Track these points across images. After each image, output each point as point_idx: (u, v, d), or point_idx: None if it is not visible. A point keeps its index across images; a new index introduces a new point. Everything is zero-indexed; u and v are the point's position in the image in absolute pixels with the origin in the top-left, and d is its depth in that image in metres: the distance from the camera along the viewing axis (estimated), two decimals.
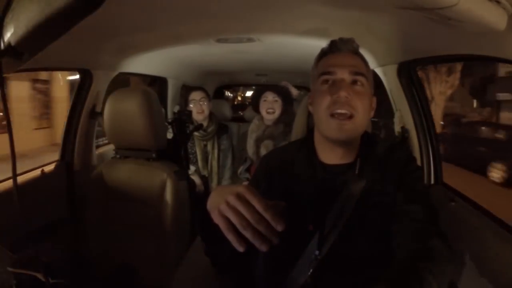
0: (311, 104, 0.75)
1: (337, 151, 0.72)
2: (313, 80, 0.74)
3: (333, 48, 0.72)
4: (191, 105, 1.92)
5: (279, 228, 0.46)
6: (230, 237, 0.47)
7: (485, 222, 0.89)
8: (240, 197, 0.48)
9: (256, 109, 1.90)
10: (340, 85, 0.66)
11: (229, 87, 3.86)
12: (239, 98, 14.41)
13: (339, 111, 0.65)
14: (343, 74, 0.68)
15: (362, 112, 0.67)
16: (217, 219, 0.48)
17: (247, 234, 0.46)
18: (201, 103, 1.90)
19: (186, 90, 2.17)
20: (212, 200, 0.53)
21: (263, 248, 0.45)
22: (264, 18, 1.10)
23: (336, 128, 0.66)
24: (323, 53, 0.74)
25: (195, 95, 1.92)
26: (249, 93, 10.90)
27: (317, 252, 0.69)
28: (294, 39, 1.34)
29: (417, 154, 1.30)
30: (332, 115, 0.66)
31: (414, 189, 0.69)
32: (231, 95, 11.86)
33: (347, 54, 0.71)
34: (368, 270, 0.66)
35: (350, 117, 0.66)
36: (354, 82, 0.68)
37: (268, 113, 1.77)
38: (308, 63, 0.77)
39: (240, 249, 0.46)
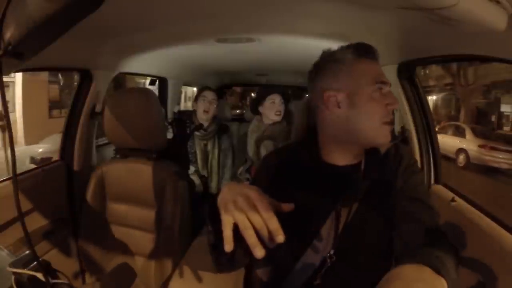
0: (341, 105, 0.68)
1: (351, 152, 0.73)
2: (352, 81, 0.68)
3: (370, 54, 0.70)
4: (200, 101, 1.90)
5: (279, 240, 0.46)
6: (224, 234, 0.48)
7: (485, 222, 0.89)
8: (248, 199, 0.49)
9: (256, 110, 1.90)
10: (393, 97, 0.70)
11: (229, 87, 3.85)
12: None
13: (389, 119, 0.70)
14: (389, 85, 0.71)
15: None
16: (223, 215, 0.50)
17: (246, 235, 0.47)
18: (211, 102, 1.90)
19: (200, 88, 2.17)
20: (223, 196, 0.54)
21: (257, 252, 0.46)
22: (264, 18, 1.10)
23: (387, 134, 0.70)
24: (358, 54, 0.69)
25: (208, 94, 1.91)
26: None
27: (320, 254, 0.70)
28: (294, 39, 1.34)
29: (417, 154, 1.30)
30: (385, 123, 0.69)
31: (417, 190, 0.70)
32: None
33: (379, 63, 0.72)
34: (370, 271, 0.66)
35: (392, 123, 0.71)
36: None
37: (276, 115, 1.82)
38: (308, 63, 0.76)
39: (228, 248, 0.47)
